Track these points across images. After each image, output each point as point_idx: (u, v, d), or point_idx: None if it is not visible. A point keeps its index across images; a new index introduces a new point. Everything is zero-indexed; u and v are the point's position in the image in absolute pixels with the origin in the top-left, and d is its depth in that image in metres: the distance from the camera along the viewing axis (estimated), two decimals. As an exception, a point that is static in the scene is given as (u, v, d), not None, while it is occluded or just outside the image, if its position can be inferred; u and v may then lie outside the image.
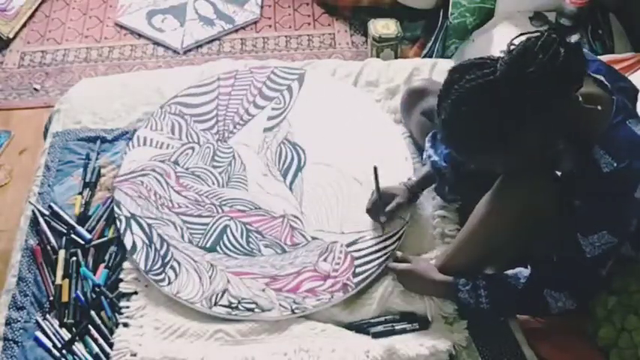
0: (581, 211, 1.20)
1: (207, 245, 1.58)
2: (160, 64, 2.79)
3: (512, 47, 1.12)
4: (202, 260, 1.55)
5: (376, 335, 1.39)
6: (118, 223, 1.62)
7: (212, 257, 1.56)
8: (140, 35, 2.93)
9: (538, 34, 1.11)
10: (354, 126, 1.80)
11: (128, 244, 1.58)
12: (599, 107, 1.16)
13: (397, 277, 1.46)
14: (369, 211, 1.56)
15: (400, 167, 1.67)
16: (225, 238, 1.60)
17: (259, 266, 1.54)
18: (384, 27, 2.59)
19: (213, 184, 1.71)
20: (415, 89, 1.70)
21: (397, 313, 1.44)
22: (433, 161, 1.52)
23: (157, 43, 2.89)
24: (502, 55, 1.13)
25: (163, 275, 1.52)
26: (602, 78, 1.21)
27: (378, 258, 1.52)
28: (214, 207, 1.66)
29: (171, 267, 1.54)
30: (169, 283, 1.51)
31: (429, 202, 1.62)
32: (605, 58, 1.97)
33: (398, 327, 1.40)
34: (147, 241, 1.58)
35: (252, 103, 1.88)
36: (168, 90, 1.91)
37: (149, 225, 1.62)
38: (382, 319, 1.43)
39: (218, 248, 1.58)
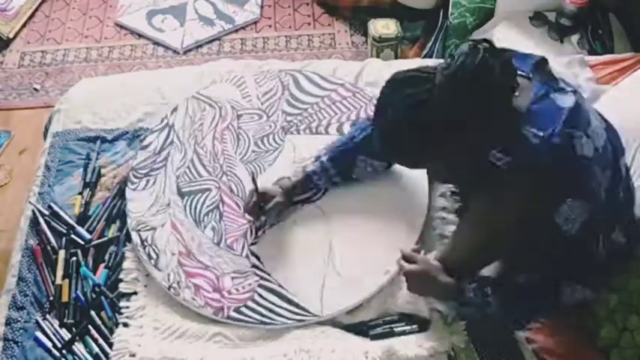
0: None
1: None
2: (160, 64, 2.79)
3: (451, 60, 1.14)
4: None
5: (375, 337, 1.39)
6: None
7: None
8: (140, 35, 2.93)
9: (477, 49, 1.13)
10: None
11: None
12: (516, 93, 1.18)
13: (405, 277, 1.43)
14: (248, 212, 1.56)
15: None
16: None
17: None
18: (384, 27, 2.59)
19: (240, 154, 1.71)
20: None
21: (396, 315, 1.44)
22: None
23: (157, 43, 2.89)
24: (443, 66, 1.15)
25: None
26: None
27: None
28: (219, 169, 1.68)
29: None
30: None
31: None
32: (605, 58, 1.98)
33: (397, 329, 1.40)
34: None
35: (338, 124, 1.77)
36: (168, 90, 1.91)
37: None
38: (380, 321, 1.43)
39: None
